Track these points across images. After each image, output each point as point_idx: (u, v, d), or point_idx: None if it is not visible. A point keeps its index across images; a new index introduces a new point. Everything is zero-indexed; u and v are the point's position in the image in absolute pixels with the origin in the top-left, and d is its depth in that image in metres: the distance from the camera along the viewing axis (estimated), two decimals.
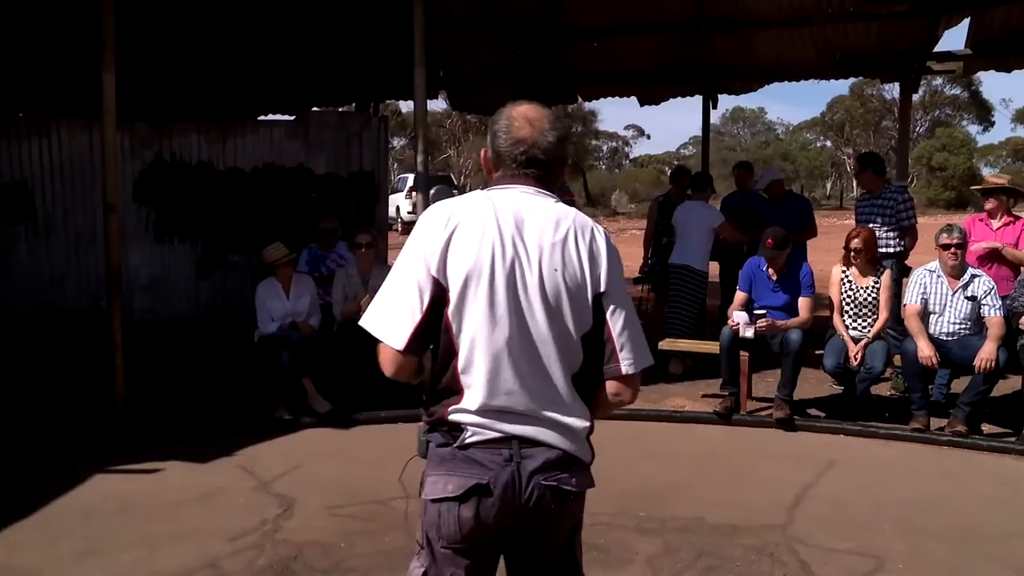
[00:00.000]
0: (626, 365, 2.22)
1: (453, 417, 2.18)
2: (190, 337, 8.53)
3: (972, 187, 7.90)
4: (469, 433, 2.17)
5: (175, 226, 8.86)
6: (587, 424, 2.26)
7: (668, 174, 10.48)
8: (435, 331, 2.17)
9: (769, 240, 6.89)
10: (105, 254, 6.56)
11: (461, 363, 2.16)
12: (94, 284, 8.60)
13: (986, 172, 34.05)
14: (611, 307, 2.21)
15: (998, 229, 7.07)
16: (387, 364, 2.18)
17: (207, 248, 8.96)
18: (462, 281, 2.13)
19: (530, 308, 2.15)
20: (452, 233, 2.15)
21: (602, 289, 2.20)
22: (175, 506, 5.08)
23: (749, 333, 6.70)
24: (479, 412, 2.16)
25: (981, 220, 7.23)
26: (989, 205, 7.10)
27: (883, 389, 7.50)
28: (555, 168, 2.29)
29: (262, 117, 10.68)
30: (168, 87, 9.40)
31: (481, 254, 2.13)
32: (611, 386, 2.25)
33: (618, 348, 2.21)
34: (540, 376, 2.18)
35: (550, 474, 2.18)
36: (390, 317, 2.16)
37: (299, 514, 4.95)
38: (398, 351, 2.14)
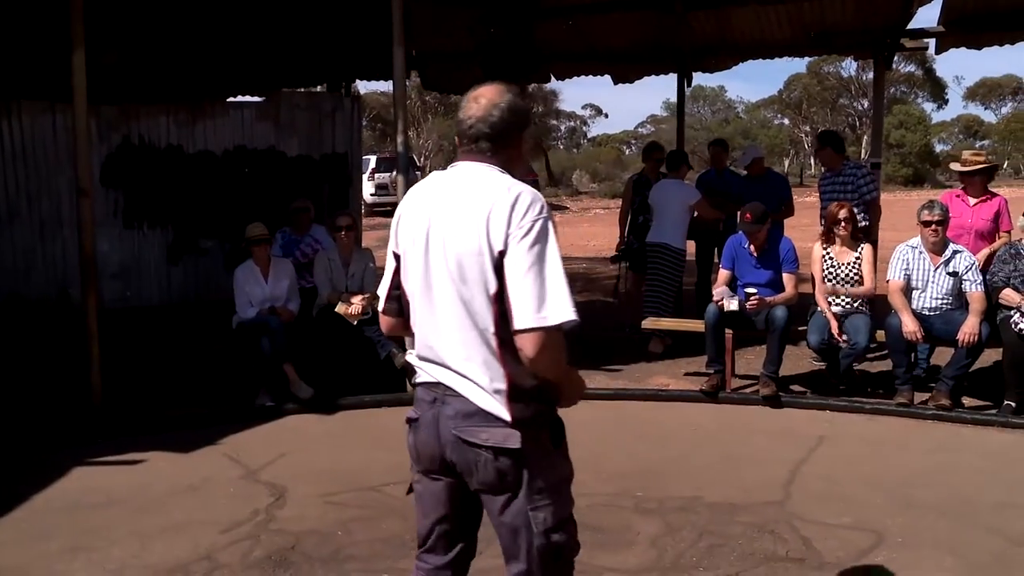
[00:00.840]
0: (516, 320, 2.24)
1: (408, 358, 2.61)
2: (163, 325, 8.35)
3: (952, 165, 7.93)
4: (417, 374, 2.52)
5: (145, 211, 8.64)
6: (501, 385, 2.33)
7: (627, 153, 10.48)
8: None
9: (747, 214, 6.90)
10: (78, 240, 6.37)
11: (411, 318, 2.52)
12: (61, 272, 8.37)
13: (939, 148, 34.56)
14: (509, 265, 2.25)
15: (975, 206, 7.12)
16: (381, 323, 2.68)
17: (178, 233, 8.76)
18: (402, 252, 2.50)
19: (436, 272, 2.39)
20: (402, 213, 2.54)
21: (501, 248, 2.26)
22: (162, 498, 4.96)
23: (733, 305, 6.70)
24: (418, 357, 2.50)
25: (958, 196, 7.27)
26: (971, 187, 7.13)
27: (867, 366, 7.56)
28: (505, 140, 2.41)
29: (231, 99, 10.45)
30: (134, 69, 9.14)
31: (408, 228, 2.47)
32: (516, 342, 2.29)
33: (512, 304, 2.25)
34: (450, 333, 2.38)
35: (459, 423, 2.38)
36: (381, 285, 2.64)
37: (292, 503, 4.87)
38: (381, 312, 2.63)
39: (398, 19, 6.66)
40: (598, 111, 60.68)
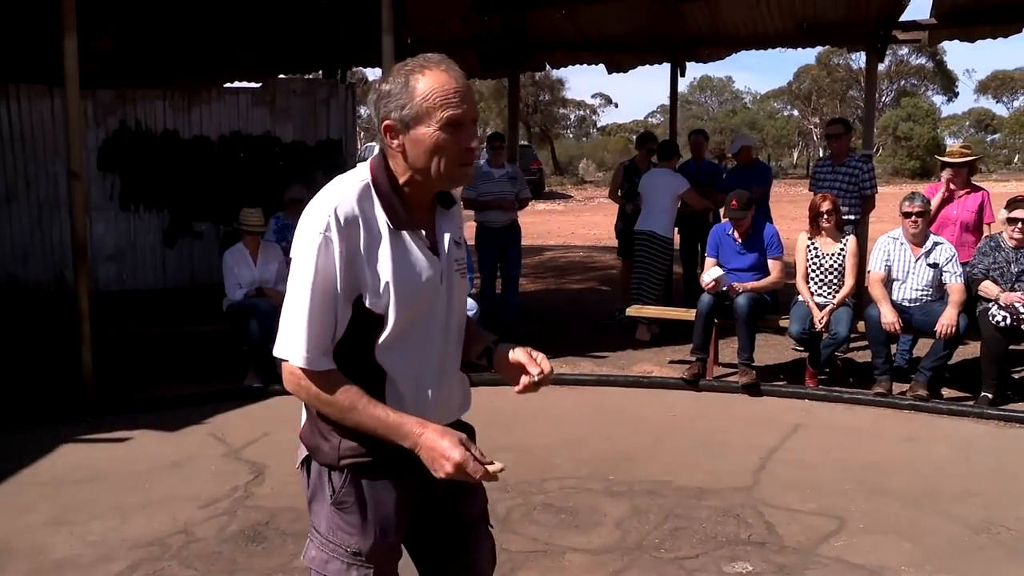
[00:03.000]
0: None
1: None
2: (158, 307, 8.46)
3: (937, 156, 7.93)
4: None
5: (141, 195, 8.73)
6: None
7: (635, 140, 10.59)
8: None
9: (734, 202, 6.98)
10: (71, 224, 6.47)
11: None
12: (59, 255, 8.46)
13: (950, 143, 34.42)
14: None
15: (960, 198, 7.17)
16: None
17: (174, 217, 8.85)
18: None
19: None
20: None
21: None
22: (145, 474, 5.09)
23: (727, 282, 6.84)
24: None
25: None
26: (957, 177, 7.16)
27: (852, 356, 7.64)
28: (379, 127, 2.01)
29: (227, 85, 10.54)
30: (130, 53, 9.23)
31: None
32: None
33: None
34: None
35: None
36: None
37: (270, 480, 4.98)
38: None
39: (387, 6, 6.75)
40: (608, 100, 60.50)
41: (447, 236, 2.11)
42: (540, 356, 2.15)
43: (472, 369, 2.30)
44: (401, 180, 2.02)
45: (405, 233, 2.01)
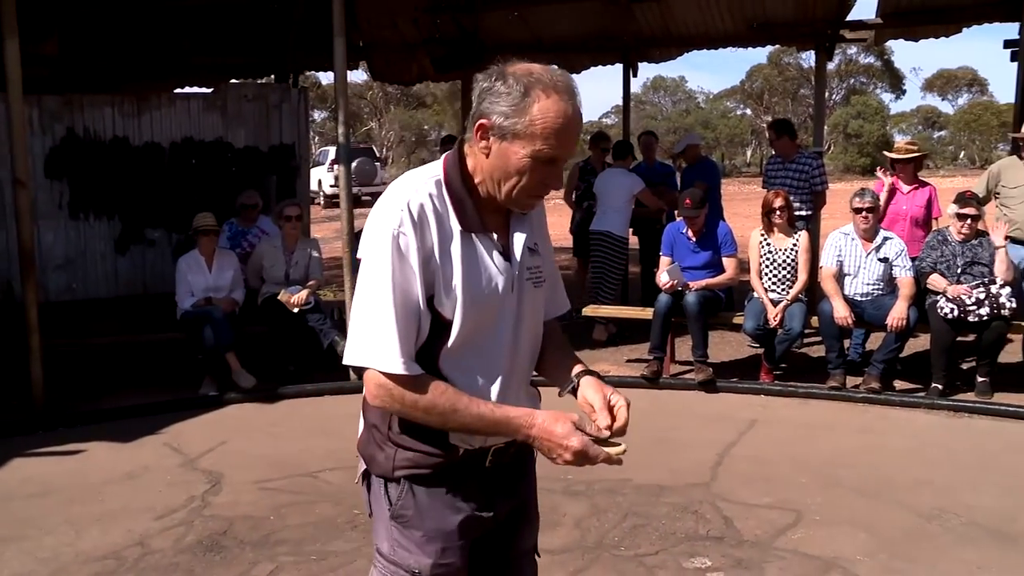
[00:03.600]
0: None
1: None
2: (110, 316, 8.32)
3: (885, 152, 8.08)
4: None
5: (90, 202, 8.59)
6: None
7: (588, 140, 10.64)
8: None
9: (687, 200, 7.05)
10: (17, 233, 6.35)
11: None
12: (5, 265, 8.29)
13: (898, 139, 35.01)
14: None
15: (908, 193, 7.31)
16: None
17: (125, 224, 8.71)
18: None
19: None
20: None
21: None
22: (99, 486, 5.00)
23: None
24: None
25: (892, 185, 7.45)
26: (903, 173, 7.30)
27: (807, 351, 7.74)
28: (471, 129, 1.89)
29: (178, 90, 10.41)
30: (77, 58, 9.08)
31: None
32: None
33: None
34: None
35: None
36: None
37: (227, 489, 4.92)
38: None
39: (339, 10, 6.71)
40: None
41: (521, 241, 1.97)
42: (619, 403, 1.99)
43: None
44: (476, 179, 1.90)
45: (475, 235, 1.90)
